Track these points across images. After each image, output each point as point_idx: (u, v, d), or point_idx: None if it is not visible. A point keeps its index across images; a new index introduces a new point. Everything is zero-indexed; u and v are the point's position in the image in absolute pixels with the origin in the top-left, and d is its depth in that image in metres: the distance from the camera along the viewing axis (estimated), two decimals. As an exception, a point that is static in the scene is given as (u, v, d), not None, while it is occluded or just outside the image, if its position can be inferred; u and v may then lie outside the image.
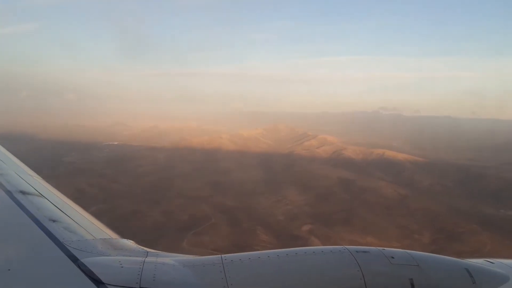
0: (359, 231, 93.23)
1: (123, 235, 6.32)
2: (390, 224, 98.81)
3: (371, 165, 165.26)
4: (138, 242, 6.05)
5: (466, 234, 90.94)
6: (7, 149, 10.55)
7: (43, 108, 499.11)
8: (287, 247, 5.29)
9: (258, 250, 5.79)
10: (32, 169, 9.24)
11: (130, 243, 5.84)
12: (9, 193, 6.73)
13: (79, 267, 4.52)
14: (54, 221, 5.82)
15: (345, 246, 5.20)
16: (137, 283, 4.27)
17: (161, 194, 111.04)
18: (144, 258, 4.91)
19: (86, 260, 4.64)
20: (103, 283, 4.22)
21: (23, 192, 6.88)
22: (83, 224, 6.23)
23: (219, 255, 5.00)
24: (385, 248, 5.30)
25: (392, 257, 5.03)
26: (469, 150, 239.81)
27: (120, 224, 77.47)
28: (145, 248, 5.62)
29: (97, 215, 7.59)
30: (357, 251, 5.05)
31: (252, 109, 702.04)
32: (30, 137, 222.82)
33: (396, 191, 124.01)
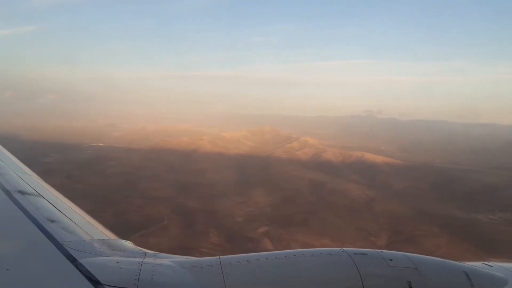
0: (316, 232, 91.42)
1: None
2: (350, 226, 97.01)
3: (348, 167, 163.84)
4: None
5: (423, 237, 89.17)
6: None
7: (35, 109, 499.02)
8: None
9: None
10: None
11: (128, 244, 5.79)
12: (7, 192, 6.71)
13: (77, 267, 4.47)
14: (52, 221, 5.80)
15: (344, 248, 5.19)
16: (135, 284, 4.23)
17: (122, 195, 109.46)
18: (142, 259, 4.93)
19: (84, 261, 4.62)
20: (101, 284, 4.18)
21: (21, 192, 6.88)
22: (82, 225, 6.23)
23: (217, 257, 4.98)
24: (383, 251, 5.29)
25: (390, 260, 5.04)
26: (459, 154, 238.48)
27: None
28: (143, 249, 5.58)
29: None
30: (355, 253, 5.05)
31: (250, 112, 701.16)
32: (16, 138, 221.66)
33: (364, 193, 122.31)
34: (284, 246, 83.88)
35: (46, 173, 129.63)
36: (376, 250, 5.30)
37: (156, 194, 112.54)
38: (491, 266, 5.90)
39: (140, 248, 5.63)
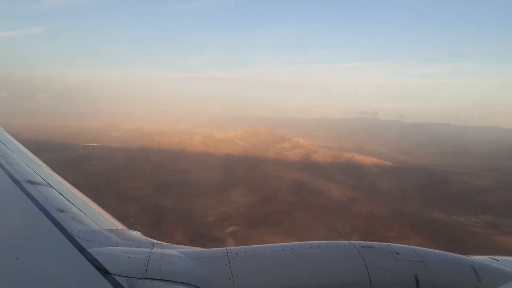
0: (285, 233, 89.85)
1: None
2: (323, 226, 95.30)
3: (336, 168, 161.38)
4: None
5: (393, 238, 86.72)
6: None
7: (38, 109, 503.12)
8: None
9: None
10: None
11: (136, 234, 5.78)
12: (17, 182, 6.70)
13: (85, 257, 4.49)
14: (61, 211, 5.80)
15: (351, 241, 5.18)
16: (143, 274, 4.25)
17: (95, 193, 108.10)
18: (150, 249, 4.90)
19: (93, 250, 4.61)
20: (109, 273, 4.19)
21: (31, 182, 6.87)
22: (91, 215, 6.23)
23: (225, 248, 4.99)
24: (390, 244, 5.28)
25: (397, 253, 5.02)
26: (458, 156, 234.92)
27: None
28: (152, 240, 5.53)
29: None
30: (362, 246, 5.05)
31: (252, 114, 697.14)
32: (14, 137, 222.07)
33: (345, 194, 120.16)
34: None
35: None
36: (383, 243, 5.26)
37: (131, 193, 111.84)
38: (498, 261, 5.86)
39: (148, 239, 5.58)
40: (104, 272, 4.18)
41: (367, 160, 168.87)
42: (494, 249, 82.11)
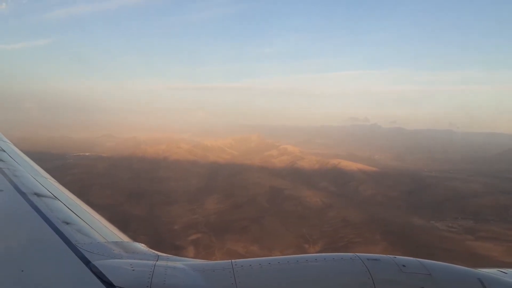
0: (249, 240, 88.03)
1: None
2: (291, 233, 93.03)
3: (320, 175, 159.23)
4: None
5: (359, 244, 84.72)
6: None
7: (39, 120, 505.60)
8: None
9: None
10: None
11: (141, 247, 5.76)
12: (23, 194, 6.72)
13: (90, 269, 4.53)
14: (67, 223, 5.82)
15: (356, 254, 5.10)
16: (147, 286, 4.27)
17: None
18: (155, 262, 4.91)
19: (98, 263, 4.66)
20: (114, 286, 4.24)
21: (37, 194, 6.90)
22: (96, 227, 6.23)
23: (230, 260, 4.94)
24: (396, 256, 5.15)
25: (404, 265, 4.87)
26: (453, 162, 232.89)
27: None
28: (156, 252, 5.55)
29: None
30: (368, 259, 4.94)
31: (252, 122, 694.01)
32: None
33: (321, 200, 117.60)
34: (207, 254, 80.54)
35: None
36: (389, 255, 5.11)
37: (101, 201, 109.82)
38: (506, 273, 5.66)
39: (153, 251, 5.54)
40: (109, 285, 4.14)
41: (354, 166, 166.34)
42: (464, 254, 79.31)
